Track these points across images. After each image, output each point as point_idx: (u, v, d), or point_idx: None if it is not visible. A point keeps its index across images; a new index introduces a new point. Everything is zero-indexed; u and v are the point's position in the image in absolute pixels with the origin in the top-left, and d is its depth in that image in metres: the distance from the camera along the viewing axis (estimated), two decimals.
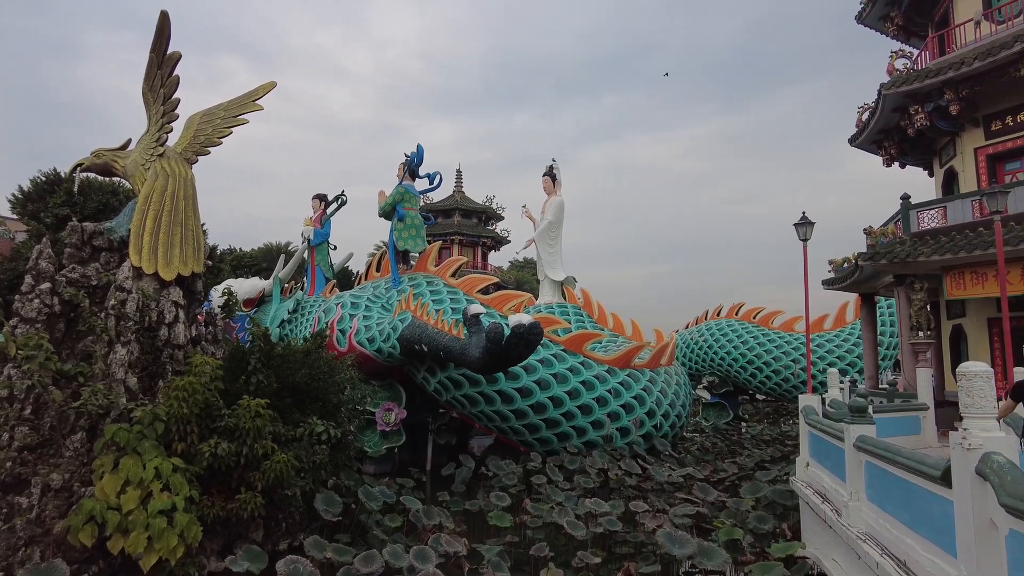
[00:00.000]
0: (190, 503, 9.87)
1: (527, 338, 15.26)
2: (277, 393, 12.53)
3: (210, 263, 14.18)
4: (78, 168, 14.01)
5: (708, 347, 31.39)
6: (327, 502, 11.99)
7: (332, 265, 27.20)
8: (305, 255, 26.62)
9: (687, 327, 34.16)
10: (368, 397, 17.13)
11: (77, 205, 32.04)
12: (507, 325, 15.49)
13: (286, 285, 26.36)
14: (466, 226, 53.68)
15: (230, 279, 29.24)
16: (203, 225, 14.16)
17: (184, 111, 13.40)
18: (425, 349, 17.90)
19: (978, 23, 17.63)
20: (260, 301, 25.50)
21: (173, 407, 10.34)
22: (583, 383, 18.55)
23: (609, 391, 18.73)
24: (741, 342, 30.17)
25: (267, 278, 26.80)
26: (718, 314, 32.60)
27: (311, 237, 26.08)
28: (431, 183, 24.89)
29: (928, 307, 17.06)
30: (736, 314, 31.73)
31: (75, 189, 28.98)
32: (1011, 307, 14.92)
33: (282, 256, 28.44)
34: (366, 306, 21.16)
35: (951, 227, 16.21)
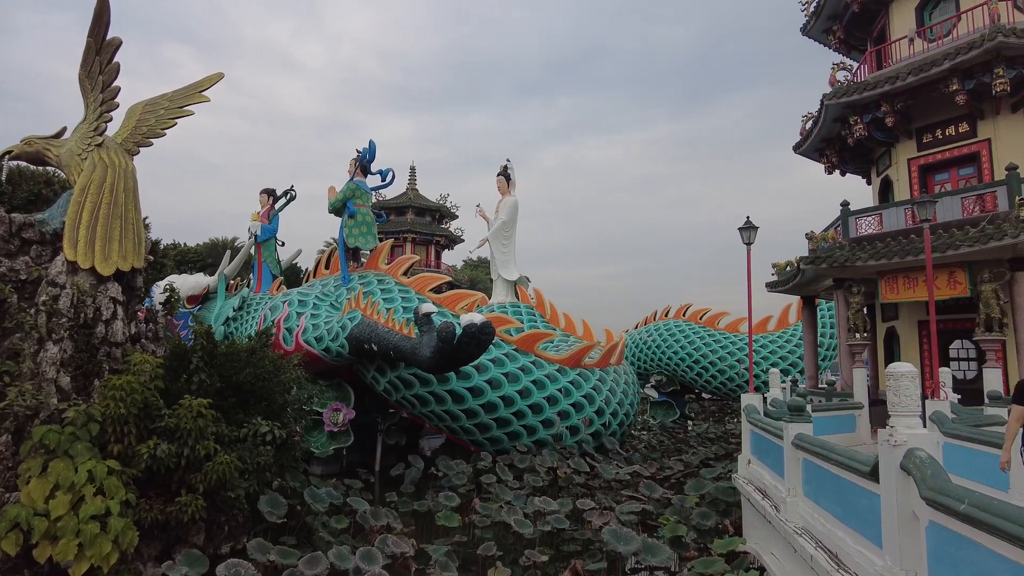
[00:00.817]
0: (126, 507, 9.52)
1: (479, 337, 15.27)
2: (220, 392, 12.20)
3: (152, 258, 13.66)
4: (6, 156, 13.32)
5: (656, 347, 32.01)
6: (272, 504, 11.74)
7: (280, 262, 26.64)
8: (252, 251, 25.99)
9: (636, 327, 34.76)
10: (315, 397, 16.85)
11: (5, 195, 30.42)
12: (459, 324, 15.47)
13: (232, 282, 25.69)
14: (419, 224, 53.28)
15: (173, 275, 28.31)
16: (145, 219, 13.68)
17: (126, 100, 12.90)
18: (375, 348, 17.71)
19: (912, 40, 18.47)
20: (204, 298, 24.78)
21: (109, 407, 9.95)
22: (534, 382, 18.67)
23: (559, 390, 18.91)
24: (688, 342, 30.87)
25: (212, 274, 26.05)
26: (666, 315, 33.28)
27: (258, 233, 25.49)
28: (383, 180, 24.64)
29: (865, 310, 17.79)
30: (684, 315, 32.47)
31: (3, 178, 27.56)
32: (939, 310, 15.70)
33: (228, 252, 27.71)
34: (314, 304, 20.80)
35: (886, 233, 16.94)
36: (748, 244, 16.05)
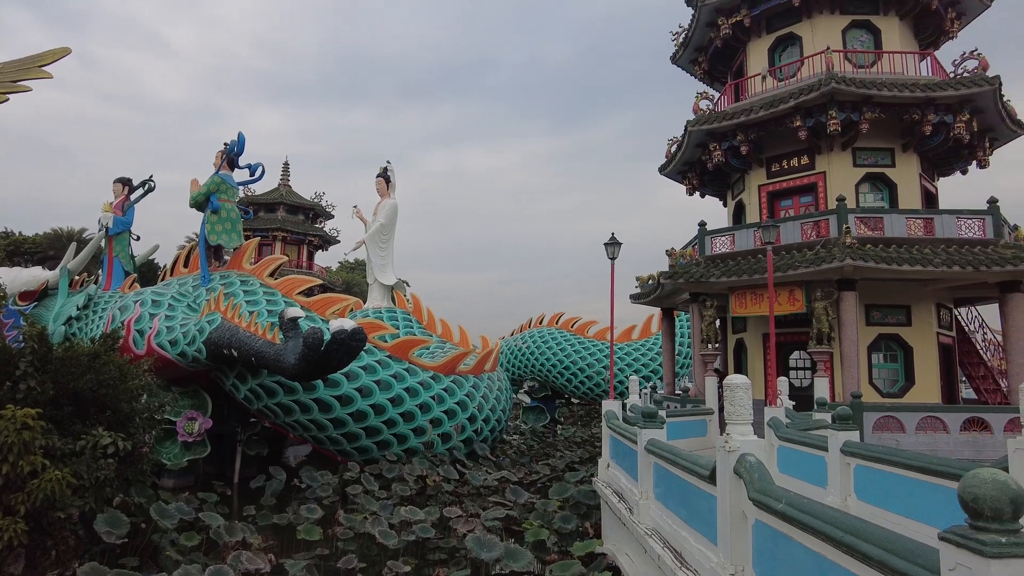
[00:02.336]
0: None
1: (348, 344, 14.89)
2: (54, 401, 11.05)
3: None
4: None
5: (530, 353, 32.82)
6: (111, 523, 10.76)
7: (133, 257, 24.56)
8: (102, 244, 23.79)
9: (512, 334, 35.46)
10: (168, 405, 15.65)
11: None
12: (328, 330, 15.00)
13: (76, 278, 23.34)
14: (291, 222, 51.10)
15: (2, 268, 25.24)
16: None
17: None
18: (235, 354, 16.76)
19: (764, 77, 20.32)
20: (42, 295, 22.31)
21: None
22: (407, 390, 18.47)
23: (433, 397, 18.84)
24: (560, 349, 31.91)
25: (53, 268, 23.51)
26: (540, 322, 34.24)
27: (110, 225, 23.39)
28: (252, 175, 23.45)
29: (717, 322, 19.26)
30: (556, 323, 33.56)
31: None
32: (780, 324, 17.33)
33: (73, 244, 25.12)
34: (170, 305, 19.35)
35: (738, 253, 18.46)
36: (612, 259, 16.86)
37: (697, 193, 23.44)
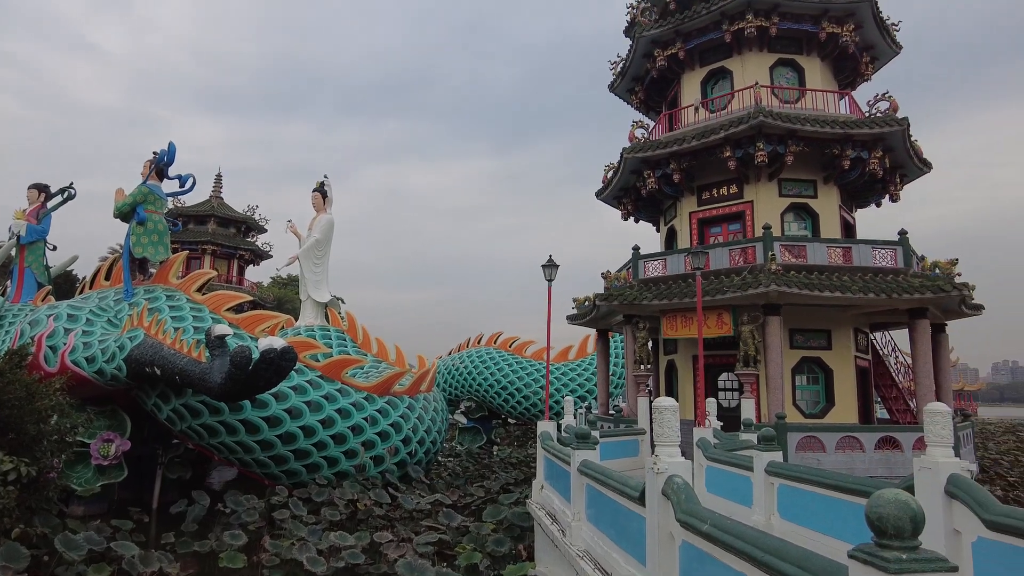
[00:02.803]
0: None
1: (278, 363, 14.45)
2: None
3: None
4: None
5: (468, 373, 32.66)
6: (8, 556, 10.00)
7: (48, 268, 23.18)
8: (13, 253, 22.36)
9: (450, 354, 35.22)
10: (81, 426, 14.75)
11: None
12: (256, 348, 14.53)
13: None
14: (222, 236, 49.43)
15: None
16: None
17: None
18: (158, 372, 15.99)
19: (697, 109, 21.14)
20: None
21: None
22: (339, 411, 18.02)
23: (366, 419, 18.44)
24: (497, 369, 31.90)
25: None
26: (479, 342, 34.16)
27: (22, 233, 22.04)
28: (182, 186, 22.60)
29: (649, 344, 19.70)
30: (495, 343, 33.55)
31: None
32: (709, 347, 17.86)
33: None
34: (87, 320, 18.33)
35: (669, 277, 18.99)
36: (550, 281, 17.05)
37: (632, 218, 24.05)
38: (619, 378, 30.39)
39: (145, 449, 18.87)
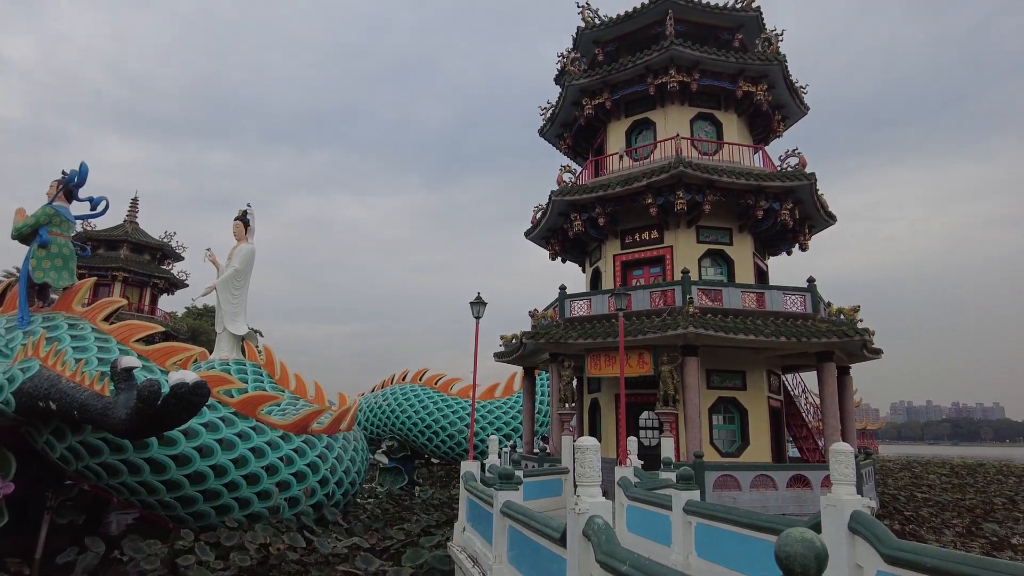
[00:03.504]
0: None
1: (189, 398, 13.67)
2: None
3: None
4: None
5: (391, 411, 31.91)
6: None
7: None
8: None
9: (372, 391, 34.40)
10: None
11: None
12: (167, 382, 13.74)
13: None
14: (135, 262, 46.95)
15: None
16: None
17: None
18: (54, 407, 14.82)
19: (622, 157, 21.99)
20: None
21: None
22: (252, 449, 17.18)
23: (281, 458, 17.64)
24: (422, 407, 31.33)
25: None
26: (403, 379, 33.53)
27: None
28: (93, 208, 21.36)
29: (574, 382, 19.93)
30: (420, 379, 33.01)
31: None
32: (630, 386, 18.25)
33: None
34: None
35: (594, 317, 19.40)
36: (477, 318, 17.08)
37: (560, 258, 24.55)
38: (544, 416, 30.48)
39: (31, 491, 17.31)
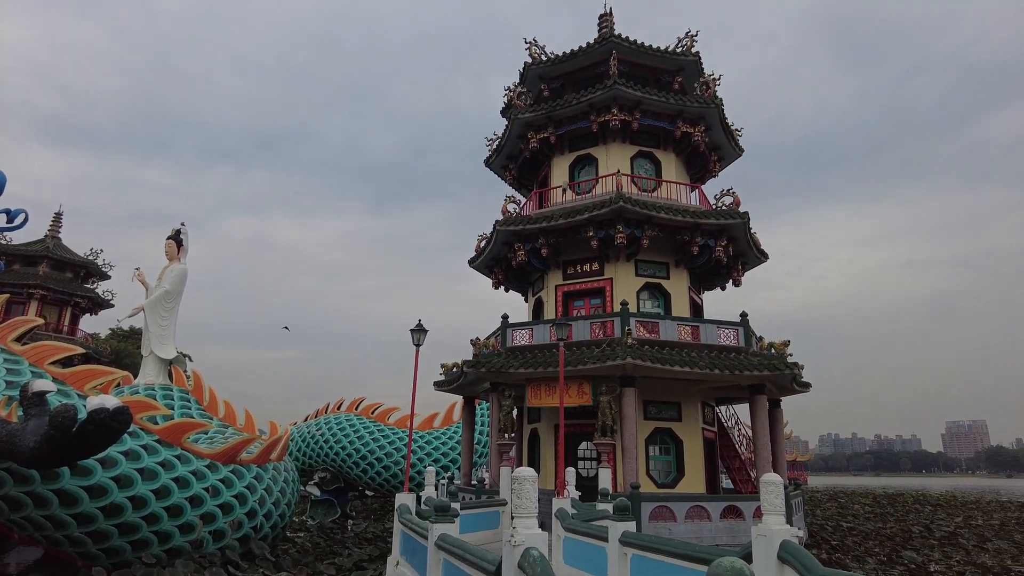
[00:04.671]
0: None
1: (109, 425, 12.90)
2: None
3: None
4: None
5: (325, 441, 30.96)
6: None
7: None
8: None
9: (306, 420, 33.35)
10: None
11: None
12: (84, 408, 12.95)
13: None
14: (55, 280, 44.48)
15: None
16: None
17: None
18: None
19: (565, 190, 22.40)
20: None
21: None
22: (176, 479, 16.31)
23: (207, 489, 16.82)
24: (357, 437, 30.53)
25: None
26: (338, 408, 32.66)
27: None
28: (10, 221, 20.12)
29: (515, 412, 19.86)
30: (356, 408, 32.22)
31: None
32: (570, 416, 18.32)
33: None
34: None
35: (536, 346, 19.47)
36: (417, 345, 16.88)
37: (503, 287, 24.63)
38: (484, 447, 30.19)
39: None
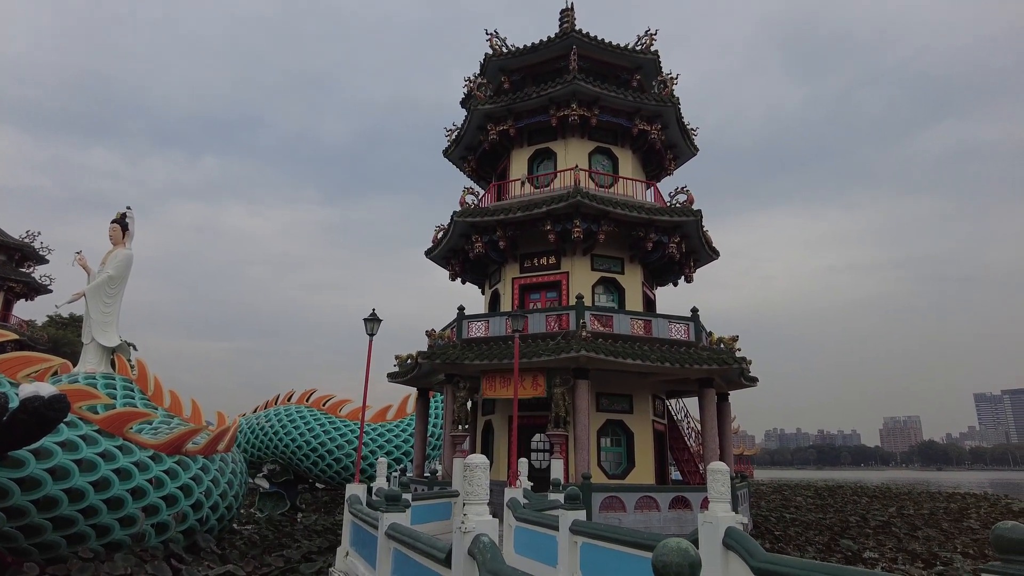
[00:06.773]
0: None
1: (43, 414, 12.39)
2: None
3: None
4: None
5: (274, 433, 30.39)
6: None
7: None
8: None
9: (255, 411, 32.67)
10: None
11: None
12: (16, 396, 12.39)
13: None
14: None
15: None
16: None
17: None
18: None
19: (523, 183, 22.42)
20: None
21: None
22: (117, 471, 15.75)
23: (150, 480, 16.29)
24: (307, 429, 30.07)
25: None
26: (289, 399, 32.10)
27: None
28: None
29: (469, 404, 19.84)
30: (307, 400, 31.72)
31: None
32: (524, 408, 18.42)
33: None
34: None
35: (492, 338, 19.47)
36: (371, 335, 16.69)
37: (460, 279, 24.54)
38: (437, 439, 30.08)
39: None
